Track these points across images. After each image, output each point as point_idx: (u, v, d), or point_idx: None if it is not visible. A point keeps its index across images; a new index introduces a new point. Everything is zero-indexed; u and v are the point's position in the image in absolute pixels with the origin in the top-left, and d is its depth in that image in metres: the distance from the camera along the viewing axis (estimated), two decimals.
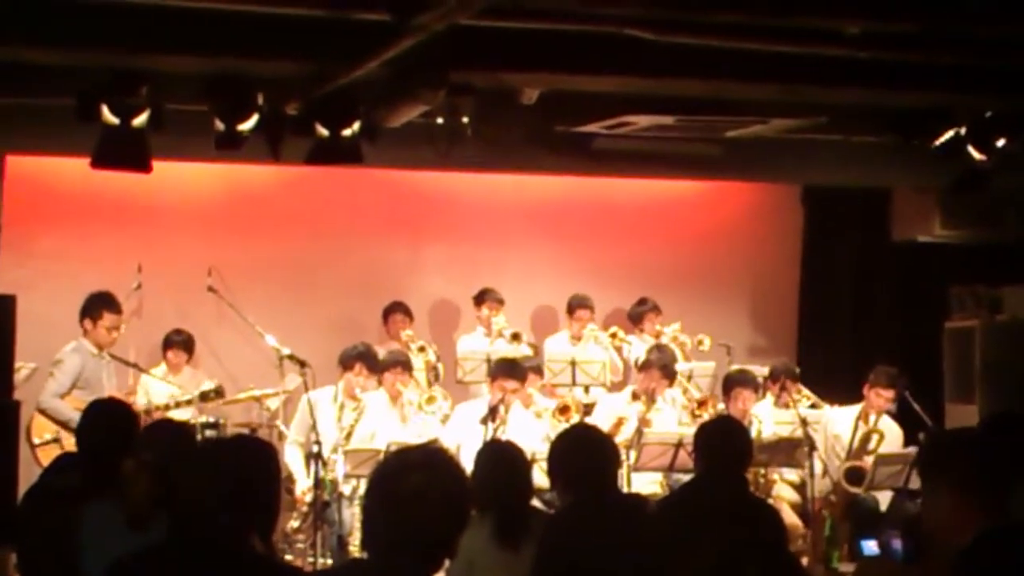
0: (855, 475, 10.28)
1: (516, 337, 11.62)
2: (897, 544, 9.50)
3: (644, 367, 10.66)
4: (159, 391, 10.66)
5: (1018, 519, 4.09)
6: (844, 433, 10.61)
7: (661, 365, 10.55)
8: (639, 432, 10.03)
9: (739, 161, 11.33)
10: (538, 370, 10.91)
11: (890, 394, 10.55)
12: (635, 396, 10.52)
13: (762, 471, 10.07)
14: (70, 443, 9.00)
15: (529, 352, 11.52)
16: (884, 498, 10.39)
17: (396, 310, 11.97)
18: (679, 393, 11.07)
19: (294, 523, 9.96)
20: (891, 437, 10.57)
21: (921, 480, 4.50)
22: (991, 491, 4.10)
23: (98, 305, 10.03)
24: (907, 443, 10.53)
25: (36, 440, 9.70)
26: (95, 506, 5.44)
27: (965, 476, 4.13)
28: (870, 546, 9.44)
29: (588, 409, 10.88)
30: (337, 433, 10.00)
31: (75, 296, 10.53)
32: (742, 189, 13.28)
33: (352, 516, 9.62)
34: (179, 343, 11.24)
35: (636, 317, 12.33)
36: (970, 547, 3.58)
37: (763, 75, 8.75)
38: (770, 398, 11.08)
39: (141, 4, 7.57)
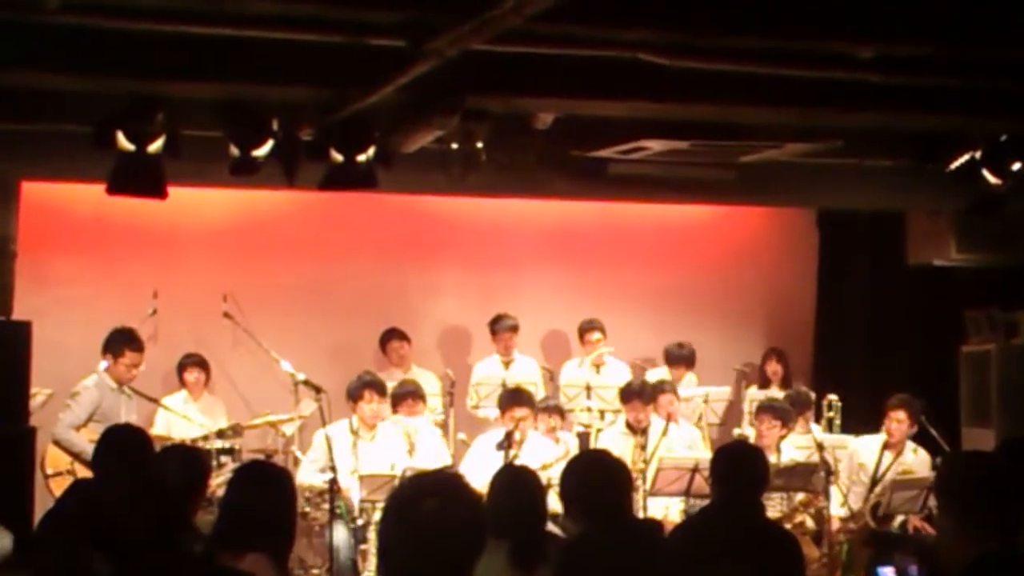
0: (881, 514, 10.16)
1: None
2: (913, 571, 9.45)
3: (626, 400, 10.67)
4: (177, 423, 10.67)
5: None
6: (869, 462, 10.53)
7: (639, 393, 10.58)
8: (645, 462, 10.07)
9: (754, 185, 11.32)
10: (559, 411, 10.79)
11: (899, 415, 10.47)
12: (631, 428, 10.54)
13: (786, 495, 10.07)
14: (83, 475, 9.01)
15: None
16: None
17: (392, 336, 11.93)
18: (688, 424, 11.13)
19: None
20: (918, 464, 10.50)
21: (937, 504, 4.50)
22: (991, 517, 4.07)
23: (120, 342, 10.04)
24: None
25: (50, 471, 9.70)
26: None
27: (967, 500, 4.12)
28: (887, 573, 9.39)
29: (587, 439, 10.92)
30: (353, 462, 9.98)
31: (90, 322, 10.55)
32: (757, 213, 13.28)
33: (367, 541, 9.60)
34: (193, 364, 11.27)
35: (673, 360, 12.26)
36: (964, 572, 3.58)
37: (777, 99, 8.75)
38: None
39: (156, 31, 7.59)
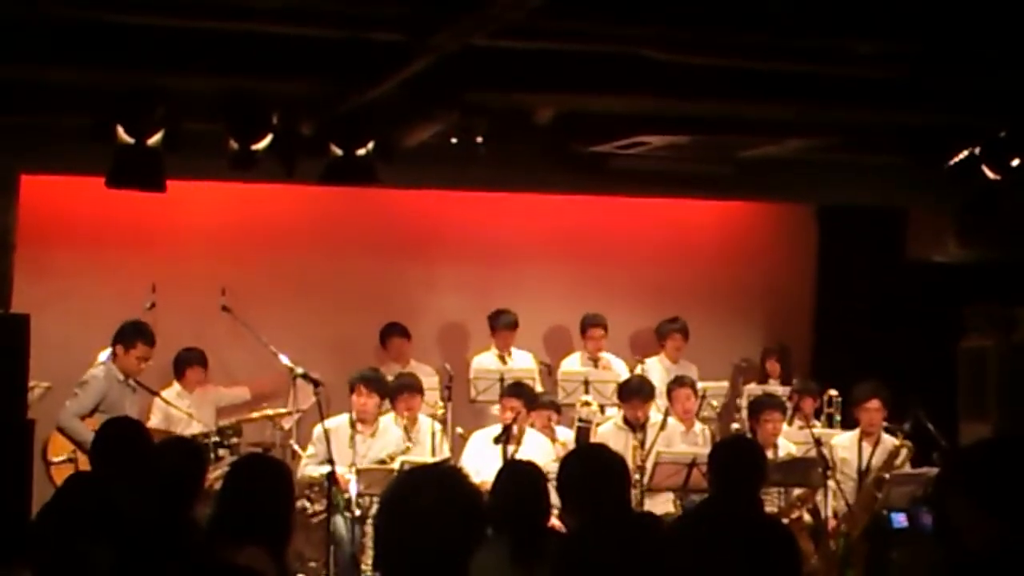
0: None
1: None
2: (927, 519, 9.41)
3: (624, 397, 10.66)
4: (177, 416, 10.67)
5: None
6: (850, 456, 10.58)
7: (637, 390, 10.59)
8: (643, 459, 10.07)
9: (753, 180, 11.33)
10: (555, 407, 10.80)
11: (873, 404, 10.55)
12: (629, 424, 10.53)
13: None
14: (85, 464, 9.01)
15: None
16: None
17: (393, 332, 11.91)
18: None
19: None
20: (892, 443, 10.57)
21: (946, 497, 4.47)
22: (1010, 502, 4.07)
23: (133, 335, 10.03)
24: (922, 463, 10.49)
25: (52, 459, 9.70)
26: None
27: (991, 486, 4.11)
28: (899, 520, 9.36)
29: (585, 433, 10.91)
30: (352, 455, 9.98)
31: (89, 315, 10.54)
32: (756, 208, 13.28)
33: (365, 535, 9.62)
34: (193, 359, 11.23)
35: (662, 334, 12.31)
36: (1000, 558, 3.57)
37: (777, 95, 8.76)
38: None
39: (157, 24, 7.60)
